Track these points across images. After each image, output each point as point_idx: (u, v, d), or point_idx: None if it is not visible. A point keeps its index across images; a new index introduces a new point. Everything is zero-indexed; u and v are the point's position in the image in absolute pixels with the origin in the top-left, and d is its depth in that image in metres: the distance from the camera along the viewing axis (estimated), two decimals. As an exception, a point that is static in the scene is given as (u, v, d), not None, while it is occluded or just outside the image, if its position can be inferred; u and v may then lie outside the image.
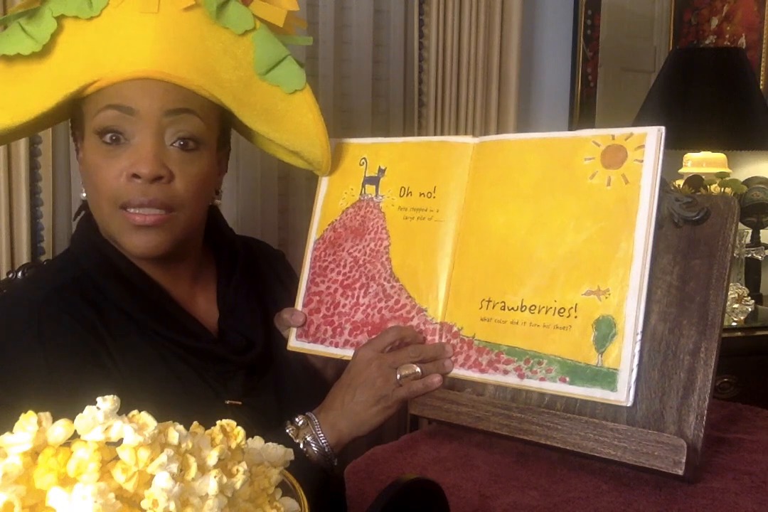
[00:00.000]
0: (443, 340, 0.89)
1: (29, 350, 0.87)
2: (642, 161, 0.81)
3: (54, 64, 0.89)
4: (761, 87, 2.13)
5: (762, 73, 2.19)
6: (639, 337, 0.77)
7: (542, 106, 2.15)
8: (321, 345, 0.97)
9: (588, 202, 0.83)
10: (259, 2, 0.93)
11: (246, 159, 1.75)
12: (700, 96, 1.97)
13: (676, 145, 1.99)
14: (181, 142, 0.89)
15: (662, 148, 0.80)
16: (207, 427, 0.52)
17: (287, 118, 0.95)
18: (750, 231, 2.05)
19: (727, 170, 2.03)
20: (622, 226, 0.80)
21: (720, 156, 2.06)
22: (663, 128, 0.81)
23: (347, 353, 0.94)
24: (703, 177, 1.94)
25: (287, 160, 1.05)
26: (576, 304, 0.81)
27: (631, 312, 0.78)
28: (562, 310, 0.82)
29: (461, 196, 0.92)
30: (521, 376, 0.82)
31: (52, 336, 0.87)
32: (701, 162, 2.06)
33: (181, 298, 0.99)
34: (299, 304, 1.00)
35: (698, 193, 1.75)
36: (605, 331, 0.79)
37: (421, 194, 0.95)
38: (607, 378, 0.77)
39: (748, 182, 2.12)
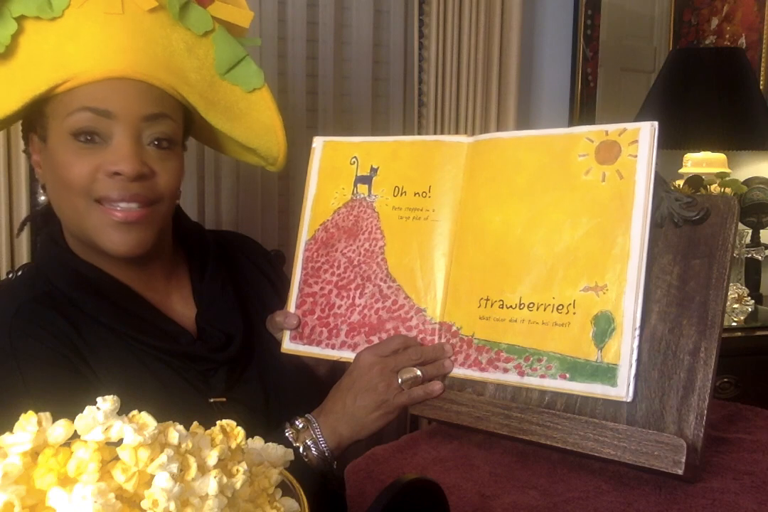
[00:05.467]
0: (443, 340, 0.89)
1: (2, 364, 0.86)
2: (636, 156, 0.81)
3: (18, 65, 0.88)
4: (761, 87, 2.13)
5: (762, 73, 2.19)
6: (638, 332, 0.77)
7: (542, 106, 2.15)
8: (317, 347, 0.96)
9: (583, 198, 0.83)
10: (219, 4, 0.94)
11: (246, 159, 1.75)
12: (700, 96, 1.97)
13: (676, 145, 1.99)
14: (156, 143, 0.90)
15: (656, 143, 0.80)
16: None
17: (248, 116, 0.99)
18: (750, 231, 2.05)
19: (727, 170, 2.03)
20: (618, 222, 0.80)
21: (720, 156, 2.06)
22: (656, 123, 0.81)
23: (344, 354, 0.94)
24: (703, 177, 1.94)
25: (240, 157, 1.09)
26: (574, 301, 0.81)
27: (629, 307, 0.78)
28: (560, 307, 0.81)
29: (457, 195, 0.92)
30: (521, 374, 0.82)
31: (24, 349, 0.87)
32: (701, 162, 2.06)
33: (156, 300, 0.99)
34: (292, 306, 0.99)
35: (698, 193, 1.75)
36: (604, 327, 0.78)
37: (416, 194, 0.95)
38: (607, 373, 0.77)
39: (748, 182, 2.12)
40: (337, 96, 1.86)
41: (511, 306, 0.85)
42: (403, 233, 0.94)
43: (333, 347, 0.95)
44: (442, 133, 1.90)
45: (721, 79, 1.97)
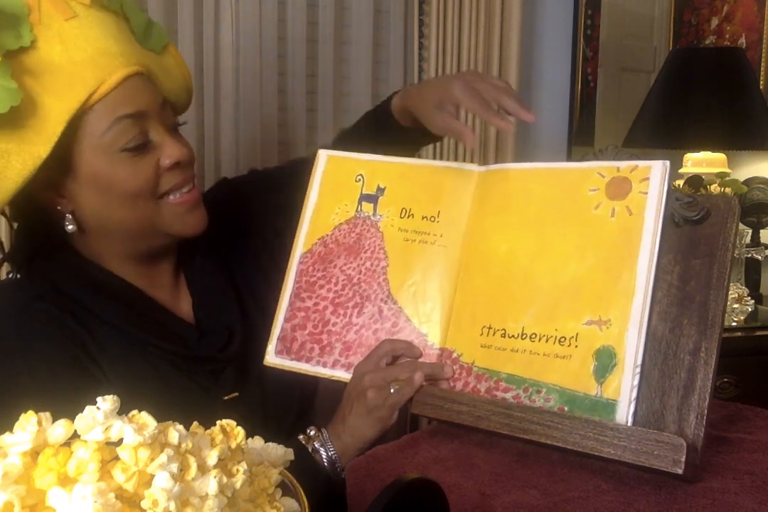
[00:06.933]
0: None
1: (11, 362, 0.86)
2: (646, 193, 0.81)
3: (37, 105, 0.84)
4: (761, 87, 2.13)
5: (762, 73, 2.19)
6: (638, 370, 0.77)
7: (542, 106, 2.15)
8: (306, 363, 0.94)
9: (592, 232, 0.83)
10: None
11: (246, 155, 1.75)
12: (700, 96, 1.97)
13: (676, 145, 1.99)
14: (173, 125, 0.94)
15: (667, 182, 0.81)
16: (207, 427, 0.52)
17: (167, 75, 0.98)
18: (750, 231, 2.05)
19: (727, 170, 2.03)
20: (625, 257, 0.80)
21: (720, 156, 2.06)
22: (668, 162, 0.81)
23: (338, 374, 0.93)
24: (703, 177, 1.94)
25: None
26: (577, 334, 0.81)
27: (631, 344, 0.77)
28: (562, 339, 0.81)
29: (465, 222, 0.92)
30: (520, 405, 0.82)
31: (33, 348, 0.87)
32: (701, 162, 2.06)
33: (163, 298, 0.99)
34: (280, 319, 0.97)
35: (698, 193, 1.75)
36: (605, 362, 0.78)
37: (424, 217, 0.94)
38: (606, 408, 0.77)
39: (748, 182, 2.12)
40: (337, 96, 1.86)
41: (513, 336, 0.84)
42: (408, 255, 0.94)
43: (325, 365, 0.94)
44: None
45: (721, 79, 1.97)
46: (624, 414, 0.76)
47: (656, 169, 0.81)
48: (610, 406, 0.77)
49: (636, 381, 0.77)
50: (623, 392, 0.77)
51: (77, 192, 0.90)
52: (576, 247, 0.84)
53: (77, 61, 0.85)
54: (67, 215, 0.91)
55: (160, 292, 0.99)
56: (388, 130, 1.06)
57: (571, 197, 0.85)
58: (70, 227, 0.91)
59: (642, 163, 0.82)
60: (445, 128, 0.94)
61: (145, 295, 0.97)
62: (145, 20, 0.96)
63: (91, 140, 0.87)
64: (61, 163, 0.87)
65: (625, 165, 0.83)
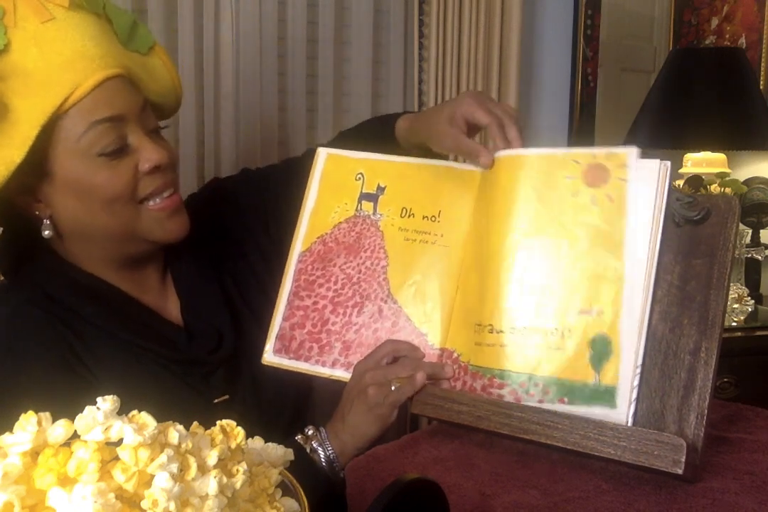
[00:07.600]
0: None
1: (10, 362, 0.86)
2: (626, 180, 0.81)
3: (10, 109, 0.83)
4: (761, 87, 2.13)
5: (762, 73, 2.19)
6: (639, 370, 0.77)
7: (542, 106, 2.15)
8: (305, 362, 0.94)
9: (575, 221, 0.83)
10: None
11: (246, 155, 1.75)
12: (700, 96, 1.97)
13: (676, 145, 1.99)
14: (154, 128, 0.93)
15: (668, 182, 0.80)
16: (203, 429, 0.52)
17: (153, 77, 0.97)
18: (750, 231, 2.05)
19: (727, 170, 2.03)
20: (610, 245, 0.80)
21: (720, 156, 2.06)
22: (668, 162, 0.81)
23: (337, 373, 0.93)
24: (703, 177, 1.94)
25: None
26: (570, 324, 0.81)
27: (626, 330, 0.78)
28: (556, 330, 0.81)
29: (466, 222, 0.92)
30: (518, 400, 0.82)
31: (28, 348, 0.87)
32: (701, 162, 2.06)
33: (151, 302, 0.98)
34: (279, 318, 0.96)
35: (699, 193, 1.75)
36: (601, 349, 0.78)
37: (424, 217, 0.94)
38: (605, 395, 0.77)
39: (748, 182, 2.12)
40: (337, 96, 1.86)
41: (500, 331, 0.84)
42: (409, 255, 0.94)
43: (324, 364, 0.94)
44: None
45: (721, 79, 1.97)
46: (625, 399, 0.76)
47: (632, 155, 0.81)
48: (610, 392, 0.77)
49: (636, 382, 0.77)
50: (622, 377, 0.77)
51: (54, 197, 0.89)
52: (564, 237, 0.83)
53: (54, 65, 0.84)
54: (45, 220, 0.90)
55: (147, 295, 0.98)
56: (389, 146, 1.04)
57: (550, 185, 0.85)
58: (46, 232, 0.90)
59: (618, 150, 0.82)
60: (456, 146, 0.92)
61: (129, 298, 0.96)
62: (130, 21, 0.94)
63: (66, 145, 0.86)
64: (36, 167, 0.86)
65: (599, 151, 0.83)
